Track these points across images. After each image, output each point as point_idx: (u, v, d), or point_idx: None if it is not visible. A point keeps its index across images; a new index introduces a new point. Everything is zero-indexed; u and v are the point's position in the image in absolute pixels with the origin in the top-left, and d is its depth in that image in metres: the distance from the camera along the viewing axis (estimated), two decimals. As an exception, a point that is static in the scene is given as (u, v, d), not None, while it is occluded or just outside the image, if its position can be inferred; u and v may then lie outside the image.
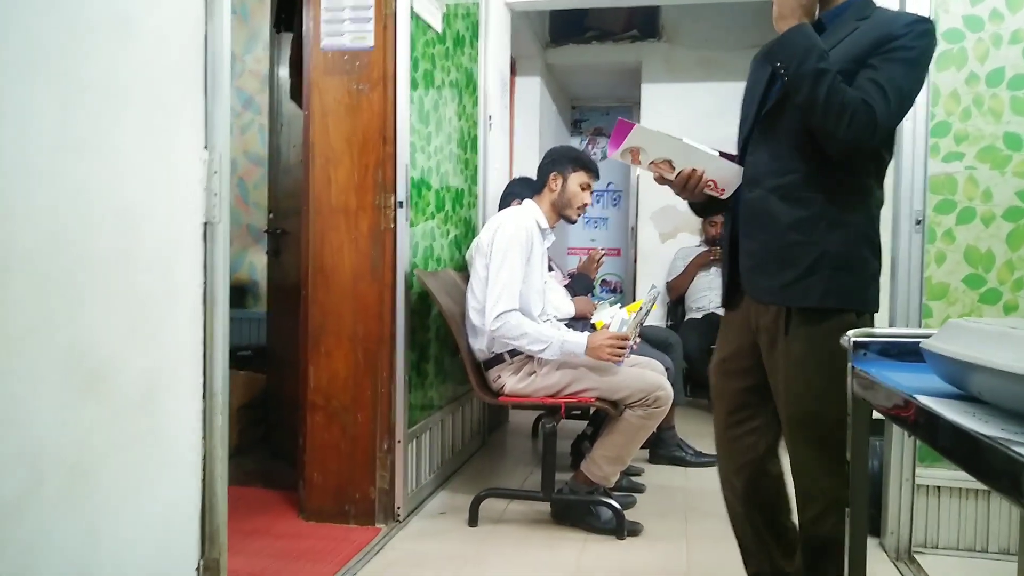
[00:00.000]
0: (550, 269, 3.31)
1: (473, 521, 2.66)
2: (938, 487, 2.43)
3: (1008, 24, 2.35)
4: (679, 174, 1.74)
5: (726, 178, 1.73)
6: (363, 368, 2.59)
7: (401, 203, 2.59)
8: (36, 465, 1.17)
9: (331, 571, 2.26)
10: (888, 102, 1.49)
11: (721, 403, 1.83)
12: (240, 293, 4.27)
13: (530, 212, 2.84)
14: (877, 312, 1.66)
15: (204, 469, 1.58)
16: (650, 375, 2.64)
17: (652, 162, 1.76)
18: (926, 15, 2.35)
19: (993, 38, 2.36)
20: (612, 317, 2.87)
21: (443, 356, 3.14)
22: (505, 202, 3.40)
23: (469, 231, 3.46)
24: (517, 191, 3.34)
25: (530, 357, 2.66)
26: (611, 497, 2.67)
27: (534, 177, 3.00)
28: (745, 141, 1.74)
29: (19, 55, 1.12)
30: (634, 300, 3.63)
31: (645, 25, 5.31)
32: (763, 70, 1.71)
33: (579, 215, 2.91)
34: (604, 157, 7.06)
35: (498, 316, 2.56)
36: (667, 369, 2.97)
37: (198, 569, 1.57)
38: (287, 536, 2.52)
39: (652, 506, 2.90)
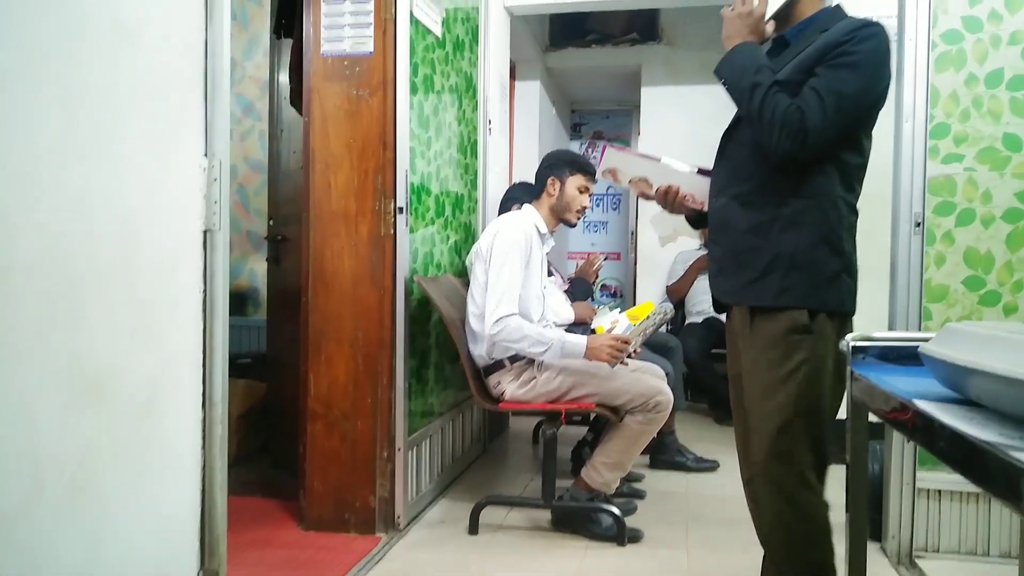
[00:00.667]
0: (549, 274, 3.30)
1: (473, 529, 2.65)
2: (939, 491, 2.42)
3: (1007, 25, 2.35)
4: (657, 190, 1.94)
5: (702, 192, 1.88)
6: (363, 375, 2.59)
7: (401, 209, 2.59)
8: (37, 472, 1.17)
9: (332, 578, 2.25)
10: (823, 109, 1.55)
11: (737, 412, 1.84)
12: (240, 300, 4.26)
13: (529, 217, 2.84)
14: (851, 312, 1.67)
15: (204, 479, 1.58)
16: (650, 380, 2.64)
17: (631, 180, 1.98)
18: (930, 15, 2.36)
19: (992, 39, 2.36)
20: (613, 322, 2.87)
21: (443, 362, 3.14)
22: (505, 207, 3.40)
23: (469, 236, 3.46)
24: (517, 196, 3.34)
25: (530, 363, 2.66)
26: (612, 504, 2.66)
27: (534, 182, 3.00)
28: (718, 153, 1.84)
29: (21, 63, 1.12)
30: (635, 304, 3.63)
31: (645, 28, 5.32)
32: None
33: (578, 218, 2.91)
34: (604, 161, 7.06)
35: (497, 320, 2.56)
36: (667, 374, 2.97)
37: (197, 579, 1.57)
38: (287, 546, 2.52)
39: (653, 512, 2.89)
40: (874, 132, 1.69)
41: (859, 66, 1.56)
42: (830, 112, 1.55)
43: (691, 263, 4.76)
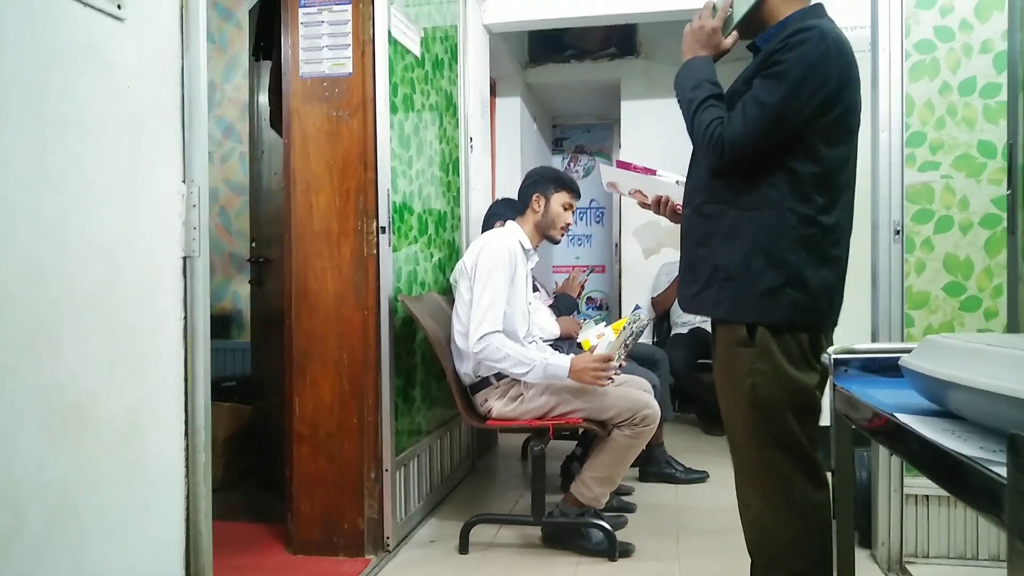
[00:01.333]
0: (535, 290, 3.31)
1: (464, 548, 2.63)
2: (927, 496, 2.43)
3: (978, 34, 2.39)
4: (652, 200, 2.11)
5: None
6: (348, 395, 2.58)
7: (383, 228, 2.59)
8: (18, 504, 1.15)
9: (321, 603, 2.23)
10: (743, 120, 1.56)
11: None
12: (224, 323, 4.23)
13: (513, 233, 2.84)
14: (804, 327, 1.60)
15: (188, 507, 1.56)
16: (636, 394, 2.64)
17: (630, 191, 2.26)
18: (903, 26, 2.39)
19: (964, 48, 2.40)
20: (599, 335, 2.87)
21: (429, 381, 3.13)
22: (488, 224, 3.41)
23: (453, 254, 3.45)
24: (500, 212, 3.35)
25: (516, 380, 2.65)
26: (602, 518, 2.65)
27: (517, 198, 3.00)
28: None
29: (-8, 93, 1.12)
30: (620, 317, 3.64)
31: (623, 43, 5.36)
32: None
33: (562, 235, 2.92)
34: (586, 175, 7.10)
35: (480, 338, 2.55)
36: (653, 386, 2.97)
37: (184, 609, 1.55)
38: (275, 571, 2.49)
39: (643, 525, 2.89)
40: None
41: (784, 75, 1.53)
42: (749, 123, 1.55)
43: (675, 274, 4.77)
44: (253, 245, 3.42)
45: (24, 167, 1.17)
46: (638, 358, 3.58)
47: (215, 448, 2.83)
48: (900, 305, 2.41)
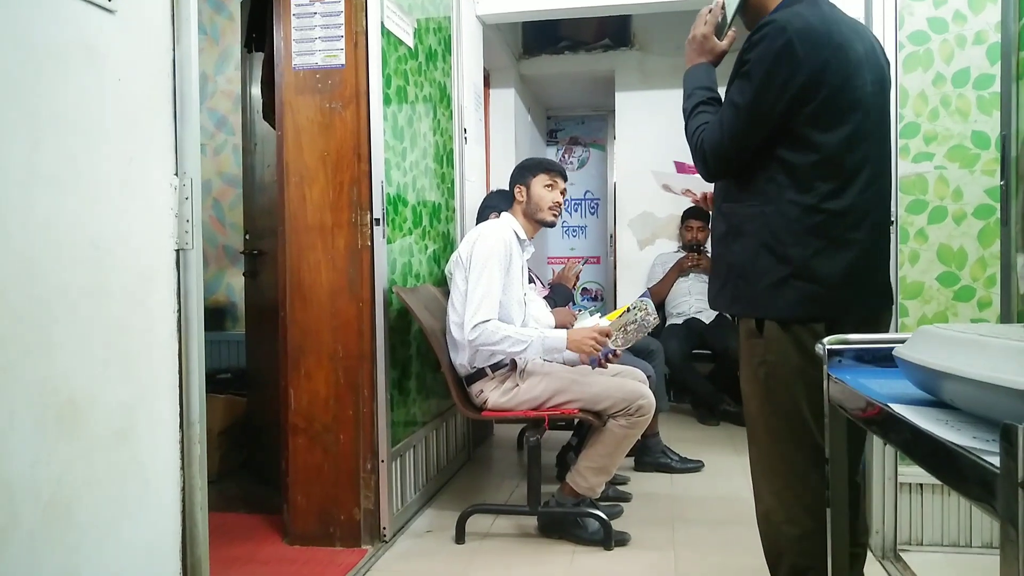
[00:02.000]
0: (530, 281, 3.31)
1: (460, 538, 2.64)
2: (920, 484, 2.45)
3: (971, 25, 2.39)
4: (700, 195, 2.10)
5: None
6: (344, 387, 2.58)
7: (378, 220, 2.58)
8: (11, 502, 1.15)
9: (318, 595, 2.24)
10: (721, 124, 1.59)
11: None
12: (218, 315, 4.22)
13: (508, 224, 2.84)
14: (813, 318, 1.58)
15: (183, 500, 1.56)
16: (631, 384, 2.64)
17: (681, 191, 2.32)
18: (896, 17, 2.39)
19: (957, 39, 2.40)
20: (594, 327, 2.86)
21: (425, 372, 3.13)
22: (483, 215, 3.40)
23: (448, 245, 3.45)
24: (494, 203, 3.35)
25: (512, 371, 2.66)
26: (598, 508, 2.66)
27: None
28: None
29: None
30: (615, 308, 3.64)
31: (617, 34, 5.35)
32: None
33: (554, 216, 2.89)
34: (580, 166, 7.09)
35: (475, 326, 2.55)
36: (649, 377, 2.97)
37: (180, 602, 1.55)
38: (272, 562, 2.50)
39: (639, 514, 2.90)
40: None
41: (750, 74, 1.54)
42: (726, 127, 1.58)
43: (671, 265, 4.79)
44: (247, 237, 3.41)
45: (14, 162, 1.16)
46: (633, 349, 3.59)
47: (210, 440, 2.83)
48: (895, 295, 2.41)
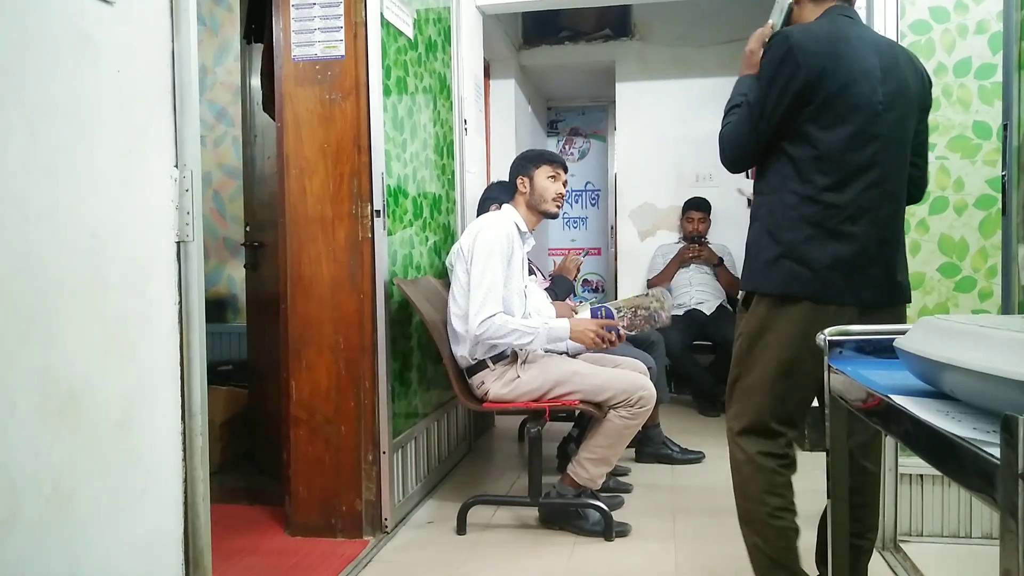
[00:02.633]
0: (531, 273, 3.31)
1: (461, 529, 2.65)
2: (920, 475, 2.45)
3: (973, 15, 2.38)
4: None
5: None
6: (345, 379, 2.58)
7: (378, 212, 2.58)
8: (12, 493, 1.15)
9: (320, 585, 2.24)
10: (738, 120, 1.77)
11: None
12: (219, 307, 4.23)
13: (509, 216, 2.84)
14: (798, 297, 1.67)
15: (185, 491, 1.57)
16: (632, 375, 2.65)
17: None
18: (898, 6, 2.39)
19: (959, 28, 2.39)
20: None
21: (426, 364, 3.13)
22: (483, 207, 3.40)
23: (448, 237, 3.45)
24: (495, 195, 3.34)
25: (513, 362, 2.66)
26: (599, 499, 2.67)
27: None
28: None
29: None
30: (615, 299, 3.63)
31: (617, 24, 5.32)
32: None
33: (558, 207, 2.90)
34: (581, 157, 7.08)
35: (482, 321, 2.56)
36: (649, 368, 2.98)
37: (182, 593, 1.55)
38: (274, 553, 2.50)
39: (640, 506, 2.91)
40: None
41: (760, 77, 1.73)
42: (741, 121, 1.76)
43: (671, 256, 4.78)
44: (247, 229, 3.41)
45: (13, 154, 1.16)
46: (634, 340, 3.59)
47: (212, 432, 2.84)
48: (905, 293, 2.40)
